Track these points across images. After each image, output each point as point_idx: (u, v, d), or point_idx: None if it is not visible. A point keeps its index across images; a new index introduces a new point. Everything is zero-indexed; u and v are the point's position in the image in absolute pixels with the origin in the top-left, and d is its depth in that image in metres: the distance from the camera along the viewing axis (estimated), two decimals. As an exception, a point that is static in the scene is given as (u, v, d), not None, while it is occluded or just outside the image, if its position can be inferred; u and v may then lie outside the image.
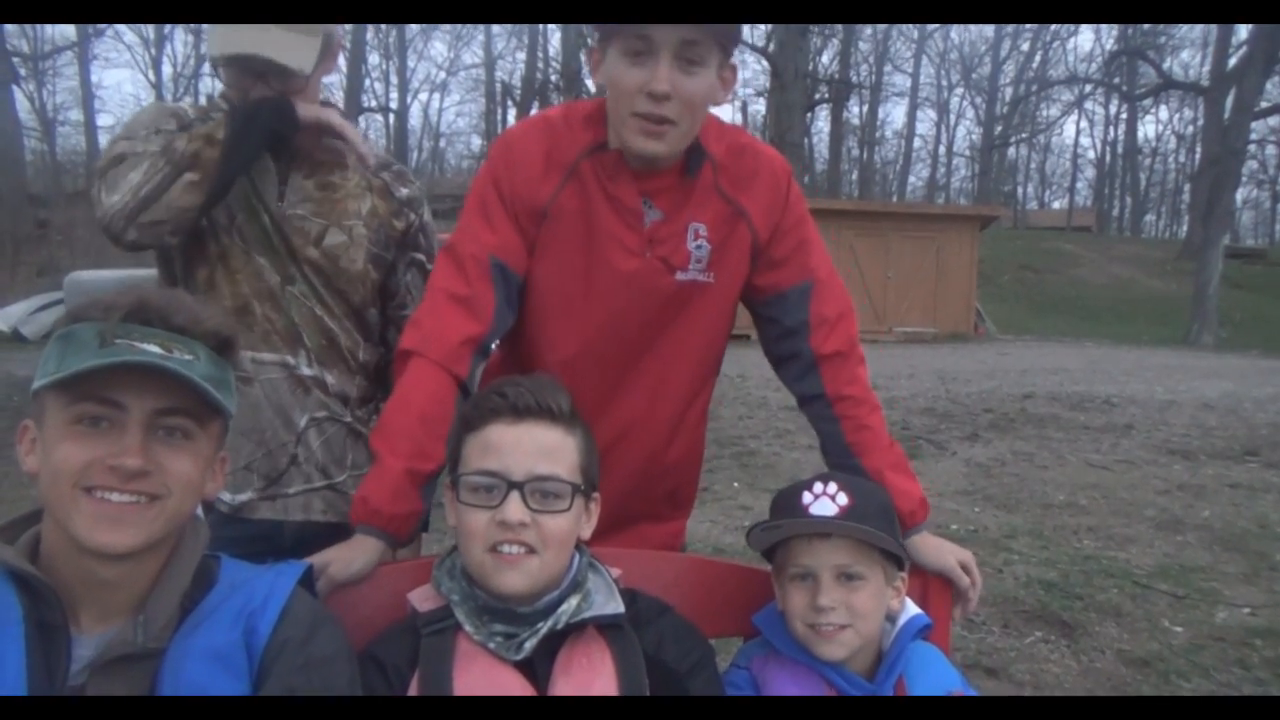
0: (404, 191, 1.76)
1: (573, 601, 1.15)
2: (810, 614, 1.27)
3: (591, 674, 1.12)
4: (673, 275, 1.50)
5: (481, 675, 1.10)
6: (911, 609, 1.37)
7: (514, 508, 1.11)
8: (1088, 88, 40.78)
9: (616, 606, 1.17)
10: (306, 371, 1.65)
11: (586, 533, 1.22)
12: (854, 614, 1.26)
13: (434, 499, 1.37)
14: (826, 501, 1.28)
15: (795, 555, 1.29)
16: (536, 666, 1.12)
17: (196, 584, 1.05)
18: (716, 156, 1.50)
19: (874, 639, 1.32)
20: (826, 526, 1.26)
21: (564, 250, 1.49)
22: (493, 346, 1.47)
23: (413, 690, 1.11)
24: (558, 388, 1.20)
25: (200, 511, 1.14)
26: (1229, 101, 21.97)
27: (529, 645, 1.12)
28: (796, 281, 1.56)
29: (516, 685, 1.10)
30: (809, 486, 1.31)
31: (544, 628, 1.13)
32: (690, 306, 1.54)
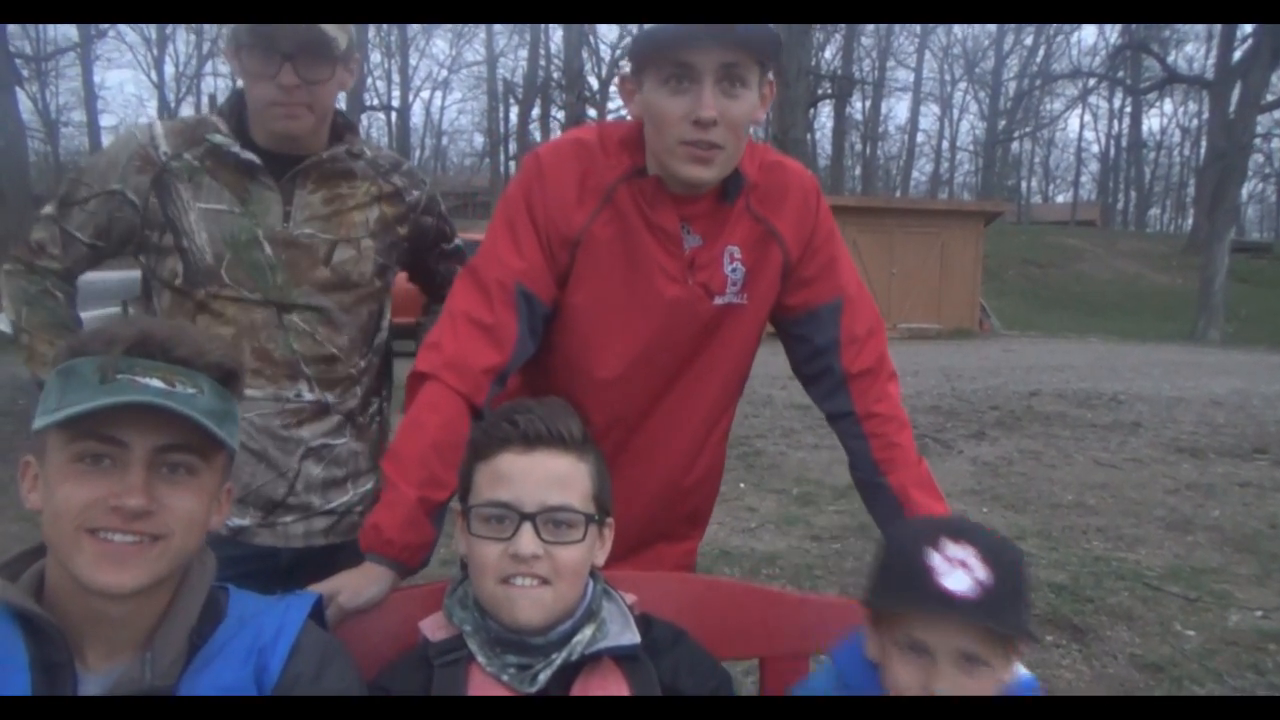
0: (415, 194, 1.73)
1: (587, 631, 1.13)
2: (913, 689, 1.08)
3: (607, 706, 1.10)
4: (711, 300, 1.48)
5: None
6: (1019, 673, 1.16)
7: (526, 540, 1.09)
8: (1091, 81, 40.65)
9: (632, 637, 1.14)
10: (308, 398, 1.62)
11: (601, 559, 1.20)
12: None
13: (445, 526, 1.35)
14: (962, 575, 1.05)
15: (911, 624, 1.08)
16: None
17: (205, 618, 1.03)
18: (750, 178, 1.48)
19: None
20: (966, 615, 1.03)
21: (604, 278, 1.46)
22: (510, 375, 1.44)
23: (425, 724, 1.09)
24: (569, 413, 1.18)
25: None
26: (1234, 95, 21.88)
27: (543, 677, 1.10)
28: (827, 299, 1.54)
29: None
30: (937, 545, 1.07)
31: (558, 659, 1.11)
32: (723, 329, 1.52)
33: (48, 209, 1.61)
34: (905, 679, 1.09)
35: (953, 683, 1.06)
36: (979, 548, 1.07)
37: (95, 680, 0.97)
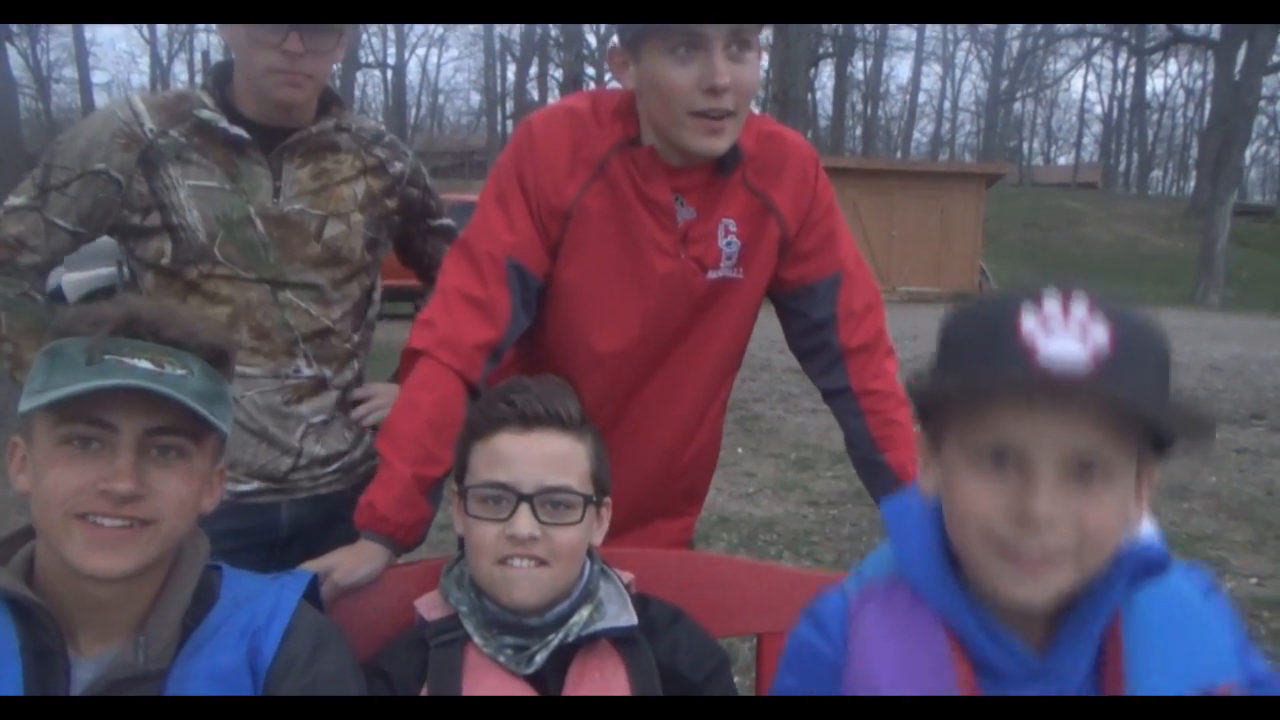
0: (398, 166, 1.69)
1: (584, 613, 1.12)
2: (1007, 523, 0.75)
3: (604, 688, 1.09)
4: (705, 274, 1.45)
5: (491, 690, 1.07)
6: (1143, 525, 0.83)
7: (523, 521, 1.07)
8: (1096, 41, 40.14)
9: (630, 618, 1.13)
10: (307, 373, 1.60)
11: (598, 539, 1.19)
12: (1085, 534, 0.75)
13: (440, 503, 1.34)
14: (1068, 340, 0.72)
15: (994, 419, 0.75)
16: (548, 680, 1.09)
17: (198, 601, 1.01)
18: (747, 150, 1.44)
19: (1099, 566, 0.78)
20: (1075, 390, 0.72)
21: (597, 251, 1.43)
22: (505, 350, 1.42)
23: (421, 706, 1.08)
24: (566, 392, 1.15)
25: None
26: (1240, 56, 21.63)
27: (539, 658, 1.09)
28: (825, 274, 1.50)
29: (527, 700, 1.07)
30: (1036, 299, 0.74)
31: (555, 640, 1.10)
32: (718, 304, 1.49)
33: (18, 200, 1.52)
34: (985, 504, 0.76)
35: (1056, 501, 0.73)
36: (1096, 303, 0.74)
37: (88, 665, 0.96)
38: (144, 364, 0.93)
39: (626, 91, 1.42)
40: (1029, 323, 0.73)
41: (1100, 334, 0.72)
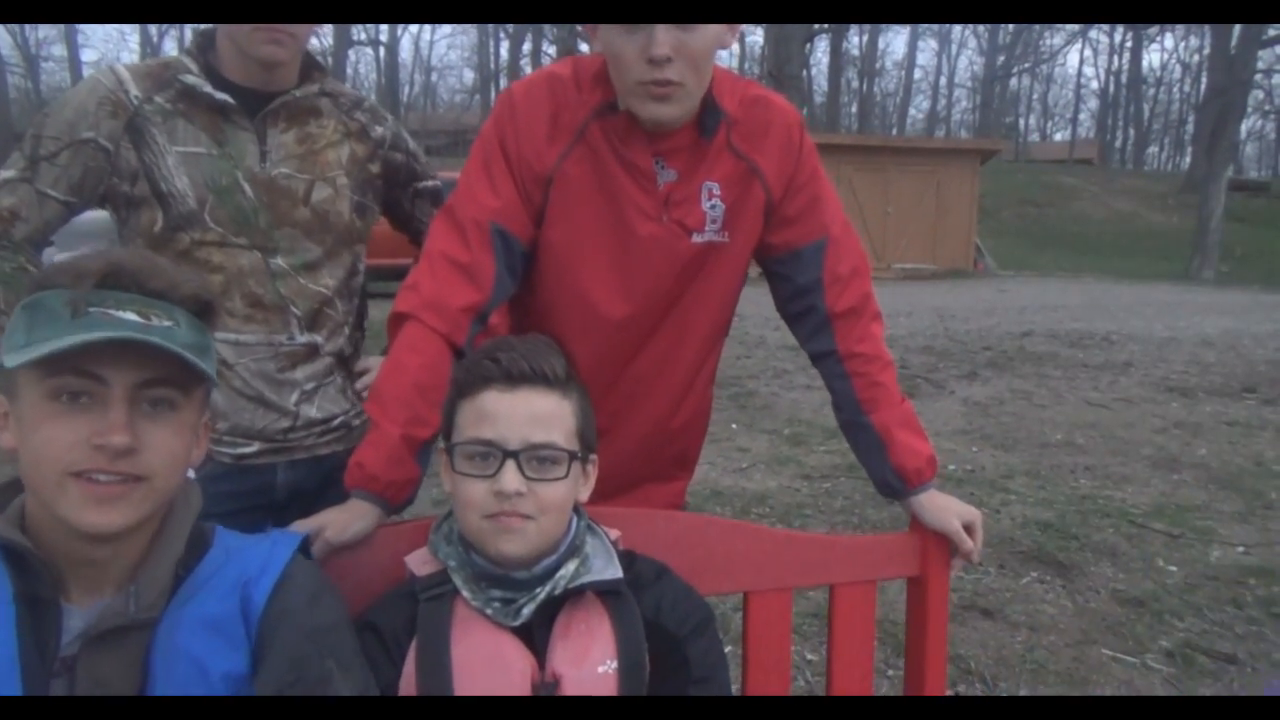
0: (379, 130, 1.70)
1: (570, 566, 1.14)
2: None
3: (590, 639, 1.11)
4: (689, 238, 1.46)
5: (479, 642, 1.10)
6: None
7: (510, 477, 1.09)
8: (1093, 16, 39.82)
9: (615, 571, 1.15)
10: (301, 340, 1.61)
11: (584, 495, 1.21)
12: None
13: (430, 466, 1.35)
14: None
15: None
16: (535, 632, 1.11)
17: (190, 550, 1.02)
18: (730, 113, 1.44)
19: None
20: None
21: (581, 216, 1.44)
22: (491, 314, 1.43)
23: (410, 658, 1.10)
24: (553, 350, 1.17)
25: (191, 473, 1.11)
26: (1236, 30, 21.52)
27: (526, 611, 1.11)
28: (811, 239, 1.51)
29: (514, 651, 1.10)
30: None
31: (542, 593, 1.12)
32: (706, 268, 1.50)
33: (8, 173, 1.52)
34: None
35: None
36: None
37: (80, 614, 0.97)
38: (130, 316, 0.92)
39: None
40: None
41: None
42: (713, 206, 1.46)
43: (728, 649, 1.29)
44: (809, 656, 2.87)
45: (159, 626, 0.97)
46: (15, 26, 34.76)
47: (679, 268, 1.48)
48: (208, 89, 1.51)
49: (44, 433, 0.92)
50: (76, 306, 0.91)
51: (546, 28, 33.08)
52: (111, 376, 0.92)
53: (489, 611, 1.11)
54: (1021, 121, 54.35)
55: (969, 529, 1.46)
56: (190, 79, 1.51)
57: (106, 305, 0.92)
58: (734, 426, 5.79)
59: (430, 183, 1.81)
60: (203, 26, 1.61)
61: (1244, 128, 34.75)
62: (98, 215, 1.66)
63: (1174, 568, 3.63)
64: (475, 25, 42.36)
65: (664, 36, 1.28)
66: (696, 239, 1.47)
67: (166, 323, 0.94)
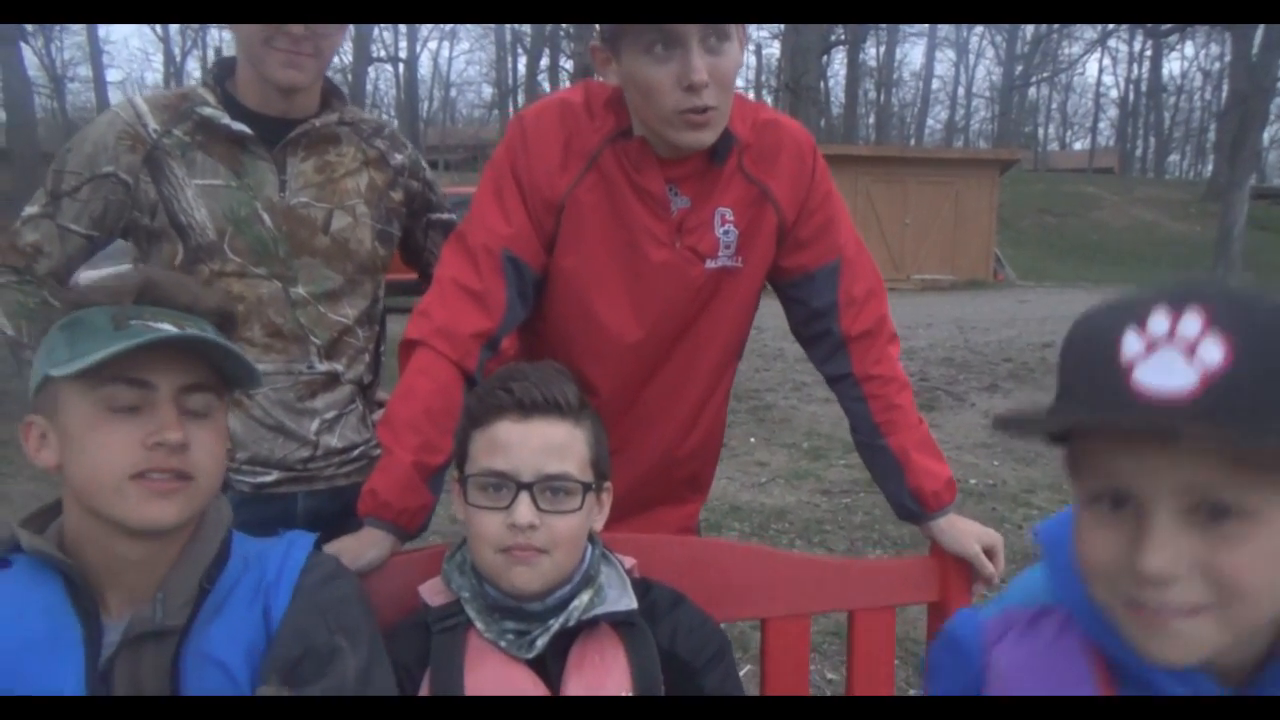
0: (398, 158, 1.69)
1: (584, 597, 1.13)
2: (1123, 576, 0.66)
3: (604, 671, 1.10)
4: (703, 264, 1.46)
5: (492, 674, 1.09)
6: None
7: (524, 510, 1.08)
8: (1110, 24, 39.71)
9: (630, 602, 1.14)
10: (320, 369, 1.61)
11: (599, 525, 1.20)
12: (1223, 586, 0.64)
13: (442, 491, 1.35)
14: (1174, 359, 0.62)
15: (1104, 457, 0.67)
16: (549, 664, 1.10)
17: (214, 562, 1.05)
18: (742, 138, 1.44)
19: (1260, 623, 0.67)
20: (1177, 427, 0.60)
21: (593, 243, 1.43)
22: (502, 341, 1.43)
23: (424, 690, 1.09)
24: (565, 378, 1.16)
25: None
26: (1257, 36, 21.34)
27: (540, 643, 1.10)
28: (824, 262, 1.50)
29: (528, 684, 1.09)
30: (1141, 315, 0.65)
31: (555, 625, 1.10)
32: (719, 293, 1.49)
33: (33, 209, 1.55)
34: (1101, 554, 0.67)
35: (1176, 551, 0.63)
36: (1214, 312, 0.62)
37: (114, 628, 1.00)
38: (167, 326, 0.97)
39: (618, 86, 1.43)
40: (1130, 345, 0.64)
41: (1213, 353, 0.61)
42: (726, 232, 1.45)
43: (747, 668, 1.27)
44: (829, 675, 2.84)
45: (188, 638, 0.99)
46: (42, 48, 35.37)
47: (692, 293, 1.47)
48: (225, 120, 1.52)
49: (98, 440, 0.95)
50: (119, 320, 0.96)
51: (563, 42, 33.28)
52: (158, 380, 0.97)
53: (502, 644, 1.10)
54: (1040, 131, 54.13)
55: (990, 553, 1.44)
56: (208, 111, 1.52)
57: (144, 318, 0.97)
58: (752, 440, 5.76)
59: (445, 215, 1.80)
60: (222, 54, 1.61)
61: (1267, 135, 34.45)
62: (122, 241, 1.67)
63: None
64: (493, 41, 42.73)
65: (699, 62, 1.27)
66: (710, 265, 1.46)
67: (198, 331, 0.99)
